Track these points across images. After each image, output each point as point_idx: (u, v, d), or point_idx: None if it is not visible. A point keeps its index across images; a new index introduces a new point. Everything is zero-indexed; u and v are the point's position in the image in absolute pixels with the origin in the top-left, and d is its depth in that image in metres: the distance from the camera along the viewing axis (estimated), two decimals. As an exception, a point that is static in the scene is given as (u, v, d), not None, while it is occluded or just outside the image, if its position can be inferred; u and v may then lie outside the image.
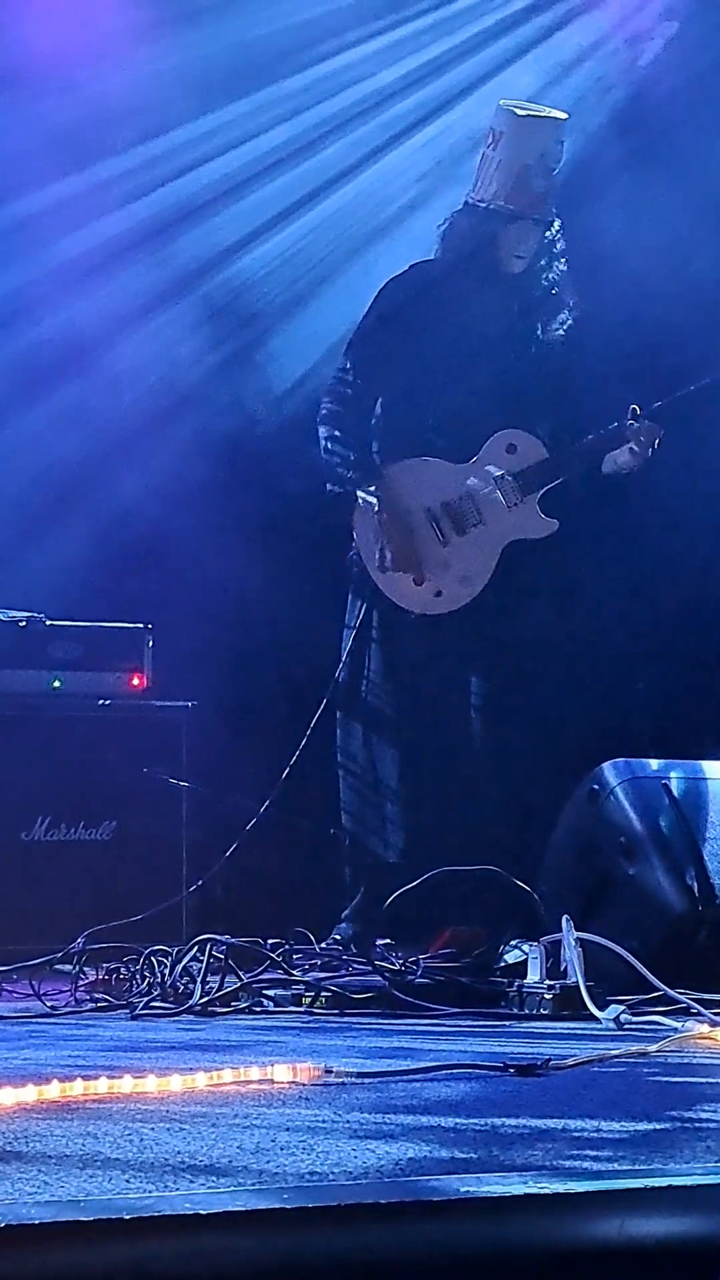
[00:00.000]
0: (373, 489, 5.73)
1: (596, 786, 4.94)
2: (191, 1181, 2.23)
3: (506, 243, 5.77)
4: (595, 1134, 2.66)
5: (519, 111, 5.82)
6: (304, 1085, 3.15)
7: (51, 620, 6.06)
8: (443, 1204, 2.10)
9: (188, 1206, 1.99)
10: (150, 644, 6.14)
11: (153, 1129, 2.66)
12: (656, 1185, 2.19)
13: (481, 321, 5.80)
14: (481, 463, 5.78)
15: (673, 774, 4.94)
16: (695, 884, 4.70)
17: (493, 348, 5.80)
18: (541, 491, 5.76)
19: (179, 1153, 2.44)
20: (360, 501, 5.75)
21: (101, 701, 6.01)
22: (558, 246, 5.82)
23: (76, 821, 5.85)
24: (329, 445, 5.82)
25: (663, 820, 4.82)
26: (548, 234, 5.80)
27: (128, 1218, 1.94)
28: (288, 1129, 2.67)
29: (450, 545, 5.75)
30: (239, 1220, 2.00)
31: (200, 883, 5.77)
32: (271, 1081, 3.18)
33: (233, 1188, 2.21)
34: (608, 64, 6.96)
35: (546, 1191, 2.13)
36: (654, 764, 4.99)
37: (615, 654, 6.61)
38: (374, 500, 5.72)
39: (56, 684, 6.00)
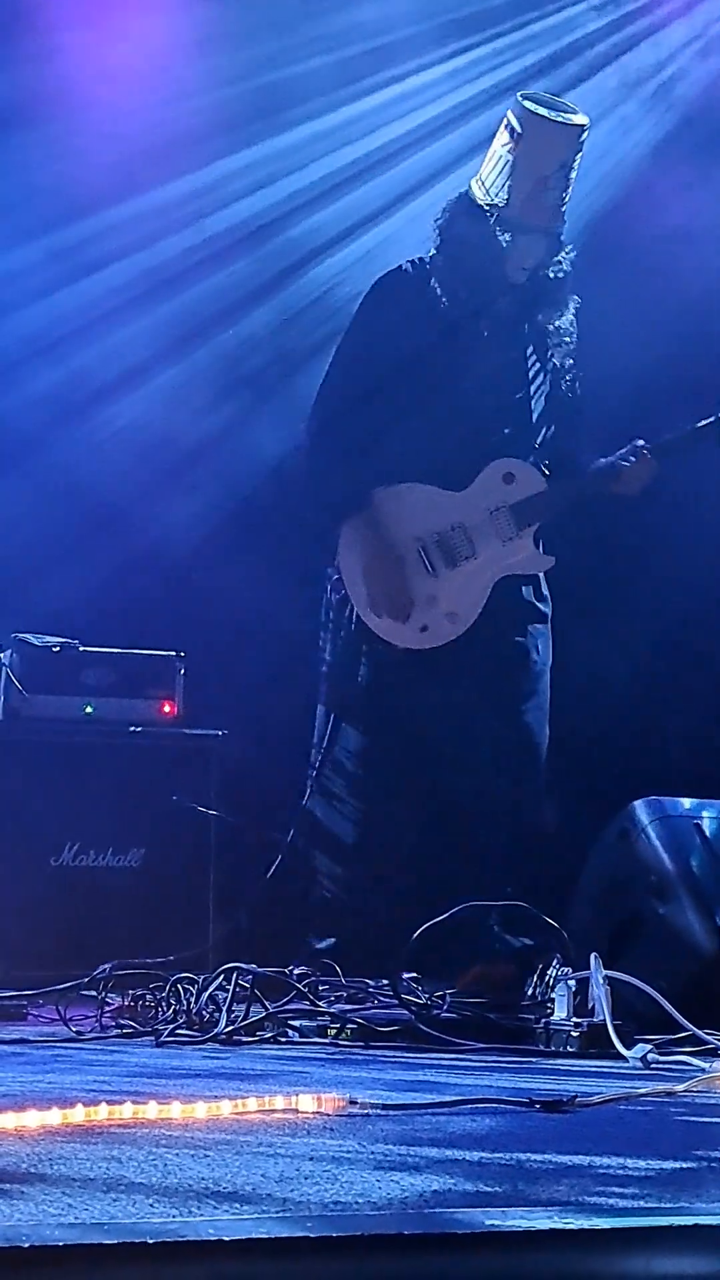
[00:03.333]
0: (359, 520, 5.52)
1: (628, 825, 4.92)
2: (215, 1208, 2.22)
3: (514, 254, 5.48)
4: (622, 1171, 2.64)
5: (543, 114, 5.42)
6: (328, 1116, 3.14)
7: (85, 646, 6.07)
8: (468, 1237, 2.08)
9: (212, 1232, 1.98)
10: (182, 672, 6.15)
11: (177, 1155, 2.65)
12: (683, 1224, 2.17)
13: (481, 340, 5.55)
14: (476, 492, 5.54)
15: (705, 814, 4.91)
16: (726, 925, 4.67)
17: (493, 370, 5.57)
18: (538, 525, 5.57)
19: (203, 1179, 2.43)
20: (346, 534, 5.56)
21: (132, 728, 6.01)
22: (566, 261, 5.56)
23: (105, 848, 5.85)
24: (311, 472, 5.63)
25: (694, 860, 4.79)
26: (559, 254, 5.54)
27: (151, 1242, 1.93)
28: (312, 1158, 2.65)
29: (439, 578, 5.53)
30: (263, 1247, 1.98)
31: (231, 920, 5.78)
32: (296, 1111, 3.16)
33: (257, 1215, 2.19)
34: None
35: (573, 1227, 2.12)
36: (686, 803, 4.96)
37: (648, 692, 6.59)
38: (357, 531, 5.52)
39: (88, 710, 6.01)
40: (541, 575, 5.67)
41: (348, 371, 5.61)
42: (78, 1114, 2.97)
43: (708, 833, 4.86)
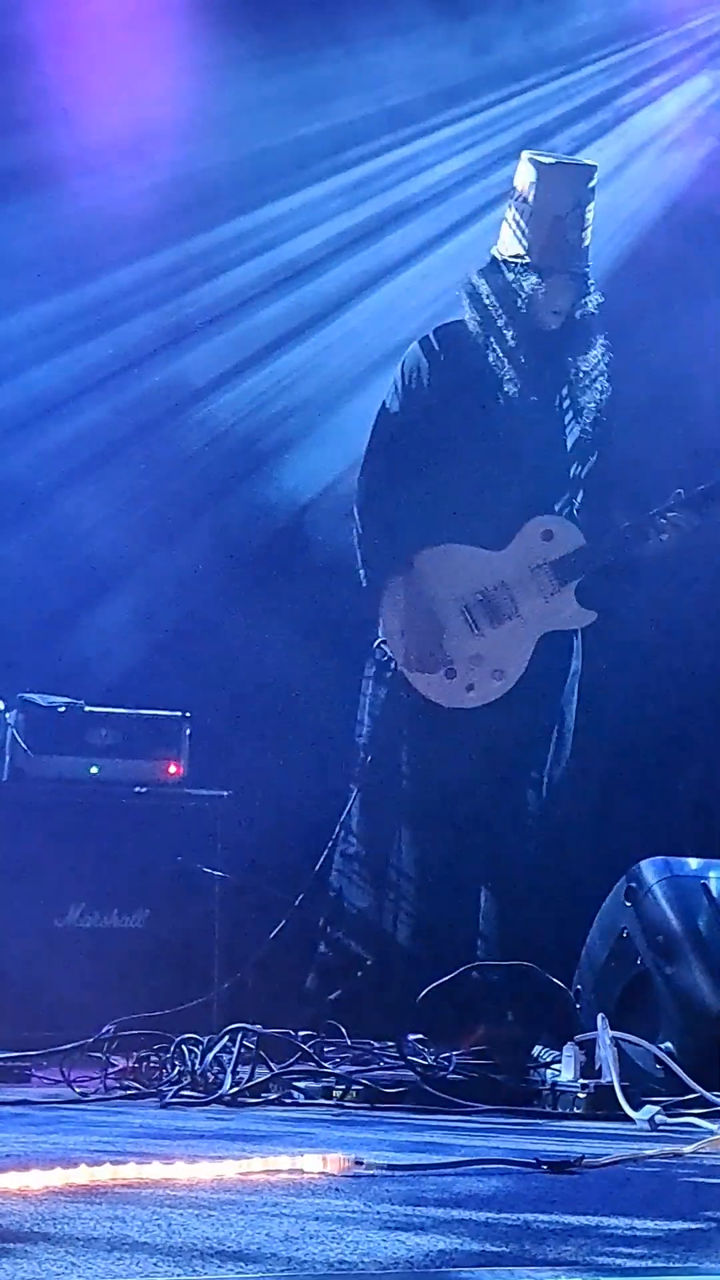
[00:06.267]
0: (400, 582, 5.55)
1: (634, 884, 4.90)
2: (220, 1267, 2.20)
3: (544, 299, 5.52)
4: (629, 1232, 2.62)
5: (547, 160, 5.57)
6: (334, 1176, 3.12)
7: (90, 707, 6.06)
8: (474, 1296, 2.07)
9: (216, 1291, 1.97)
10: (187, 732, 6.14)
11: (181, 1215, 2.63)
12: (692, 1284, 2.16)
13: (516, 393, 5.57)
14: (516, 550, 5.56)
15: (712, 874, 4.89)
16: (733, 985, 4.65)
17: (528, 422, 5.59)
18: (579, 580, 5.56)
19: (207, 1239, 2.41)
20: (388, 592, 5.57)
21: (137, 789, 6.00)
22: (592, 302, 5.58)
23: (110, 908, 5.83)
24: (358, 536, 5.64)
25: (701, 920, 4.77)
26: (587, 296, 5.56)
27: (155, 1300, 1.92)
28: (317, 1218, 2.63)
29: (484, 637, 5.54)
30: (267, 1306, 1.97)
31: (238, 975, 5.74)
32: (301, 1171, 3.14)
33: (261, 1274, 2.18)
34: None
35: (580, 1287, 2.10)
36: (693, 863, 4.94)
37: (656, 753, 6.58)
38: (400, 592, 5.53)
39: (93, 770, 6.00)
40: (578, 632, 5.67)
41: (388, 439, 5.65)
42: (81, 1174, 2.94)
43: (714, 893, 4.84)
